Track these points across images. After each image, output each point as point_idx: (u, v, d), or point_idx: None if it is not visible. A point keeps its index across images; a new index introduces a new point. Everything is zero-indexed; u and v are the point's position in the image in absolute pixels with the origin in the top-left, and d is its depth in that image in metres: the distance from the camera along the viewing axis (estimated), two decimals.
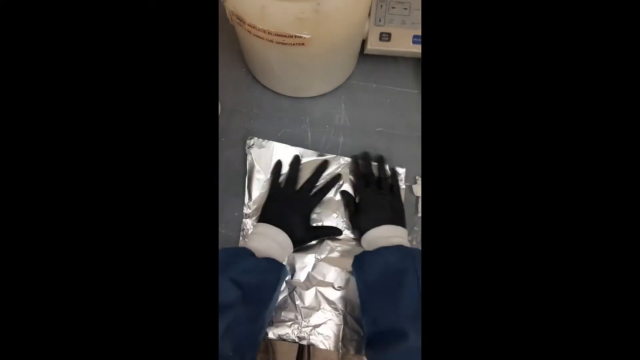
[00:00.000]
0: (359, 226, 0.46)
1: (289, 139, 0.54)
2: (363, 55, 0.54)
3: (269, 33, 0.40)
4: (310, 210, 0.49)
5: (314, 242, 0.49)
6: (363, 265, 0.42)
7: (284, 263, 0.44)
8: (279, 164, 0.51)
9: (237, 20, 0.42)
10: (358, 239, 0.48)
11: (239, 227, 0.50)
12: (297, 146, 0.53)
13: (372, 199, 0.47)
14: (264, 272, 0.40)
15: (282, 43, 0.41)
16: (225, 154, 0.53)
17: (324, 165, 0.51)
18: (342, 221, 0.50)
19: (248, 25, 0.41)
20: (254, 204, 0.50)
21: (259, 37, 0.42)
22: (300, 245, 0.47)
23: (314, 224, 0.49)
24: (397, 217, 0.46)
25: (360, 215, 0.47)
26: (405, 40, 0.51)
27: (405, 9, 0.49)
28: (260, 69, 0.54)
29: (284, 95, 0.56)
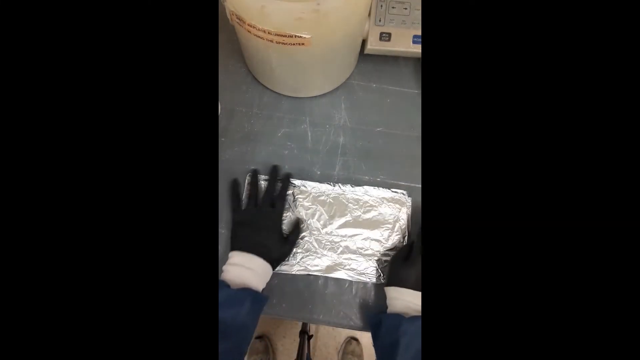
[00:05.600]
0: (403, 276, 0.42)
1: (289, 138, 0.54)
2: (363, 55, 0.54)
3: (269, 33, 0.40)
4: (279, 222, 0.47)
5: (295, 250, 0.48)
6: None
7: (262, 288, 0.43)
8: (235, 184, 0.50)
9: (237, 20, 0.42)
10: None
11: None
12: (299, 178, 0.51)
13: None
14: (238, 304, 0.39)
15: (282, 43, 0.41)
16: (225, 154, 0.53)
17: (275, 170, 0.50)
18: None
19: (248, 25, 0.41)
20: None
21: (258, 37, 0.42)
22: (280, 262, 0.46)
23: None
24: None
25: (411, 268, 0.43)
26: (405, 40, 0.51)
27: (405, 9, 0.49)
28: (260, 69, 0.54)
29: (284, 95, 0.56)
